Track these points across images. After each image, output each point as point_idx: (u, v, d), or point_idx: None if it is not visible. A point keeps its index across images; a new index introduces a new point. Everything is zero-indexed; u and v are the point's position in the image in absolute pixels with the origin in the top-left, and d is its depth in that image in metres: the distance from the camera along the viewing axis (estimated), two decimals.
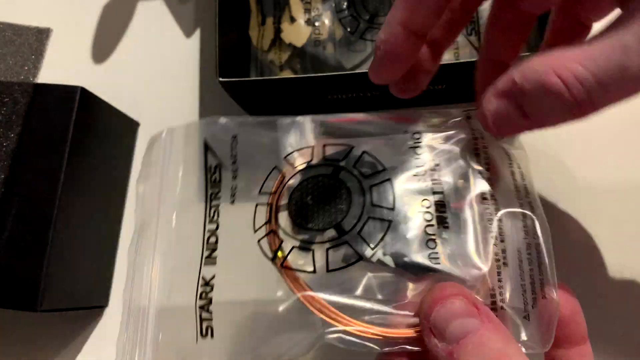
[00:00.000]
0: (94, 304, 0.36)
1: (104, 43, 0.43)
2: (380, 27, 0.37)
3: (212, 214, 0.26)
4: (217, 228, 0.26)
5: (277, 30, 0.38)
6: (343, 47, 0.37)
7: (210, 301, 0.25)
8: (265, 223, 0.25)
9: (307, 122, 0.27)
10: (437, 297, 0.22)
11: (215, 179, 0.27)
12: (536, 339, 0.23)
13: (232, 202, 0.26)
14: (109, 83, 0.40)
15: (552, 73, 0.19)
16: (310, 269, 0.24)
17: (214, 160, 0.27)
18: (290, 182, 0.26)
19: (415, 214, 0.24)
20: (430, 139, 0.26)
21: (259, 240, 0.25)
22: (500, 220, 0.24)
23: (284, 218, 0.25)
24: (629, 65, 0.18)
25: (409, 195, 0.24)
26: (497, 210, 0.24)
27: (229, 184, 0.27)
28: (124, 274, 0.38)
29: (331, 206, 0.25)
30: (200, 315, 0.24)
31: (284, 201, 0.25)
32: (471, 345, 0.20)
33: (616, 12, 0.20)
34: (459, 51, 0.36)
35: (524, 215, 0.24)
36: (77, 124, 0.33)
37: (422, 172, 0.25)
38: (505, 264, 0.23)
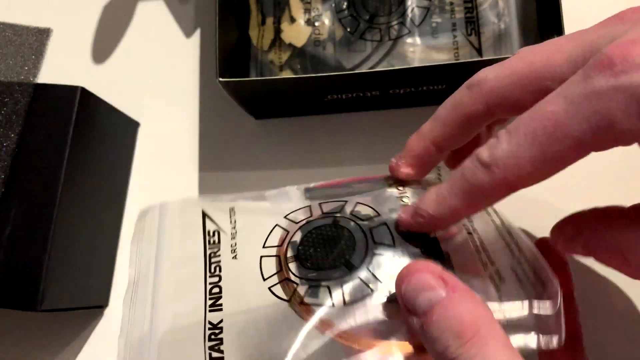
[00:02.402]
0: (94, 304, 0.36)
1: (104, 43, 0.43)
2: (380, 27, 0.37)
3: (212, 269, 0.27)
4: (219, 280, 0.27)
5: (277, 30, 0.38)
6: (343, 47, 0.37)
7: (221, 341, 0.25)
8: (276, 272, 0.26)
9: (293, 191, 0.30)
10: (404, 274, 0.23)
11: (214, 241, 0.28)
12: (550, 338, 0.23)
13: (234, 257, 0.27)
14: (109, 83, 0.40)
15: None
16: (329, 304, 0.25)
17: (213, 225, 0.29)
18: (295, 236, 0.27)
19: (414, 250, 0.25)
20: (412, 192, 0.28)
21: (270, 287, 0.26)
22: (485, 249, 0.26)
23: (294, 267, 0.26)
24: None
25: (405, 235, 0.26)
26: (482, 241, 0.26)
27: (228, 243, 0.28)
28: (124, 273, 0.38)
29: (338, 247, 0.26)
30: (210, 355, 0.25)
31: (291, 253, 0.26)
32: (436, 316, 0.21)
33: None
34: (459, 51, 0.36)
35: (506, 241, 0.26)
36: (77, 124, 0.33)
37: None
38: (502, 279, 0.25)
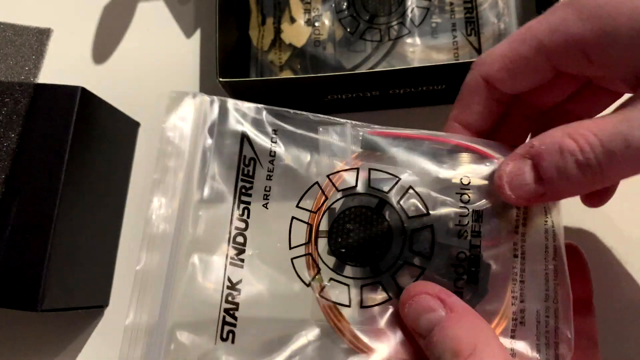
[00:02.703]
0: (94, 304, 0.36)
1: (104, 43, 0.43)
2: (380, 27, 0.37)
3: (241, 211, 0.26)
4: (246, 228, 0.26)
5: (277, 31, 0.38)
6: (343, 47, 0.37)
7: (236, 306, 0.25)
8: (304, 244, 0.25)
9: (349, 133, 0.26)
10: (405, 297, 0.24)
11: (248, 172, 0.26)
12: None
13: (265, 205, 0.26)
14: (109, 83, 0.40)
15: (568, 137, 0.22)
16: (346, 302, 0.25)
17: (250, 152, 0.26)
18: (333, 206, 0.26)
19: (448, 267, 0.24)
20: (477, 188, 0.25)
21: (293, 259, 0.25)
22: (523, 281, 0.25)
23: (322, 244, 0.25)
24: (631, 137, 0.20)
25: (448, 246, 0.25)
26: (523, 270, 0.25)
27: (262, 183, 0.26)
28: (124, 273, 0.38)
29: (371, 244, 0.25)
30: (224, 319, 0.25)
31: (323, 226, 0.25)
32: (436, 337, 0.22)
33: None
34: (459, 51, 0.36)
35: (547, 279, 0.25)
36: (77, 124, 0.33)
37: (465, 222, 0.25)
38: (522, 323, 0.24)
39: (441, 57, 0.36)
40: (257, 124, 0.26)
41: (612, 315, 0.32)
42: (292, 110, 0.27)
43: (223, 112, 0.27)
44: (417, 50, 0.36)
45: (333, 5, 0.37)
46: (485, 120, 0.27)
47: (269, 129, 0.26)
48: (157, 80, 0.41)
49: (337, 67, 0.37)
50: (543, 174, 0.22)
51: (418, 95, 0.36)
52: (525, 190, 0.23)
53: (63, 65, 0.42)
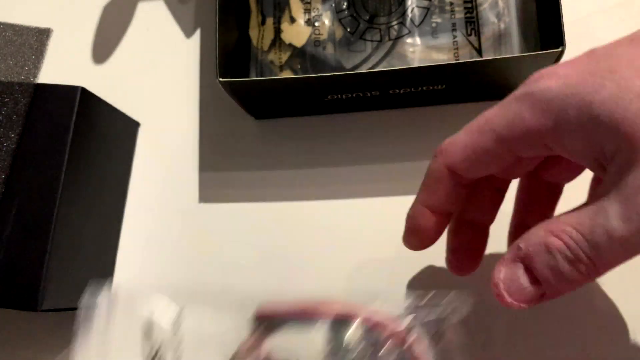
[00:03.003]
0: None
1: (104, 43, 0.43)
2: (380, 27, 0.37)
3: None
4: None
5: (277, 31, 0.38)
6: (343, 47, 0.37)
7: None
8: None
9: (240, 325, 0.27)
10: None
11: None
12: None
13: None
14: (109, 83, 0.40)
15: (551, 235, 0.22)
16: None
17: (157, 344, 0.27)
18: None
19: None
20: None
21: None
22: None
23: None
24: (610, 228, 0.21)
25: None
26: None
27: None
28: (124, 273, 0.38)
29: None
30: None
31: None
32: None
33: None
34: (459, 51, 0.36)
35: None
36: (77, 124, 0.33)
37: None
38: None
39: (441, 57, 0.36)
40: (162, 314, 0.27)
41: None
42: (203, 286, 0.28)
43: (125, 309, 0.28)
44: (417, 50, 0.36)
45: (333, 5, 0.37)
46: (453, 203, 0.27)
47: (174, 320, 0.27)
48: (157, 80, 0.41)
49: (337, 67, 0.37)
50: (538, 275, 0.23)
51: (418, 95, 0.36)
52: (524, 293, 0.23)
53: (63, 65, 0.42)
